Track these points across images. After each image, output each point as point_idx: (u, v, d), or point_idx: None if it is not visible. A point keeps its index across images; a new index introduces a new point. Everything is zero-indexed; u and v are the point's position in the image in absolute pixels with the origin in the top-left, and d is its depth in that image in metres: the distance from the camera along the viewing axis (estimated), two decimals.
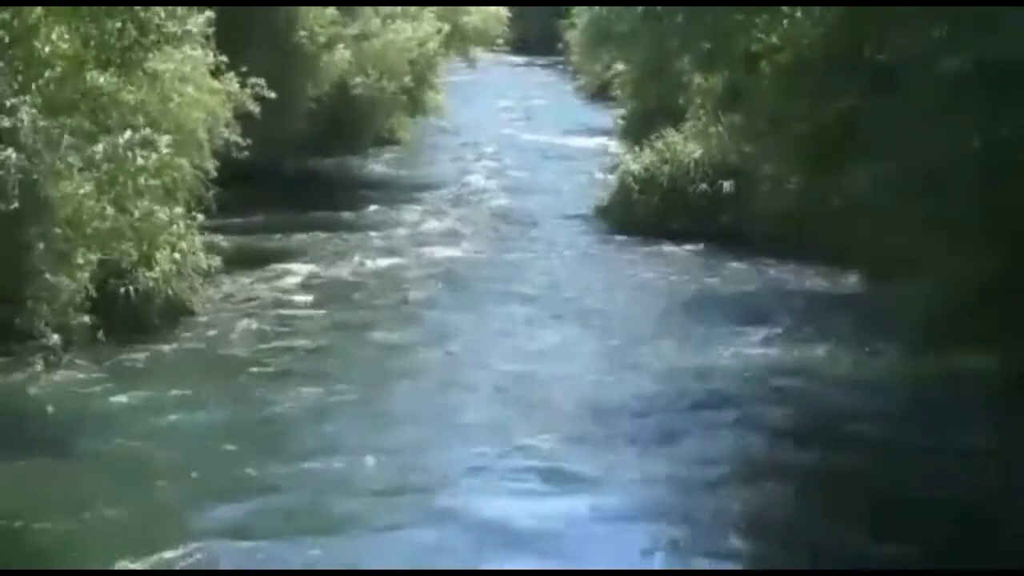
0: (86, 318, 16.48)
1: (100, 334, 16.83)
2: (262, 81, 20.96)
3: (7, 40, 13.22)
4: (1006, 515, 12.72)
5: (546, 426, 15.39)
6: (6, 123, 12.99)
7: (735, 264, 22.71)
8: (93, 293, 16.51)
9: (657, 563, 12.40)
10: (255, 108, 20.73)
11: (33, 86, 13.55)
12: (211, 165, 19.68)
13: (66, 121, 14.20)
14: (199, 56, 19.80)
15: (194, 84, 19.35)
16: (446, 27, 33.29)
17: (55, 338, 15.45)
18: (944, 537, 12.44)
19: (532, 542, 12.49)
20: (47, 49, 13.76)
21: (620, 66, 36.06)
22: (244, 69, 20.88)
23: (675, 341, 18.57)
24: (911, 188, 14.62)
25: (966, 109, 13.62)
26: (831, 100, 15.92)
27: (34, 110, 13.48)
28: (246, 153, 20.77)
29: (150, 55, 15.92)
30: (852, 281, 20.90)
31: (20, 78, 13.56)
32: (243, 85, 20.74)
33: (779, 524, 12.91)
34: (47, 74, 13.65)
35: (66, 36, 14.20)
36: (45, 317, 15.22)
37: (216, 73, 20.34)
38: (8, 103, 13.27)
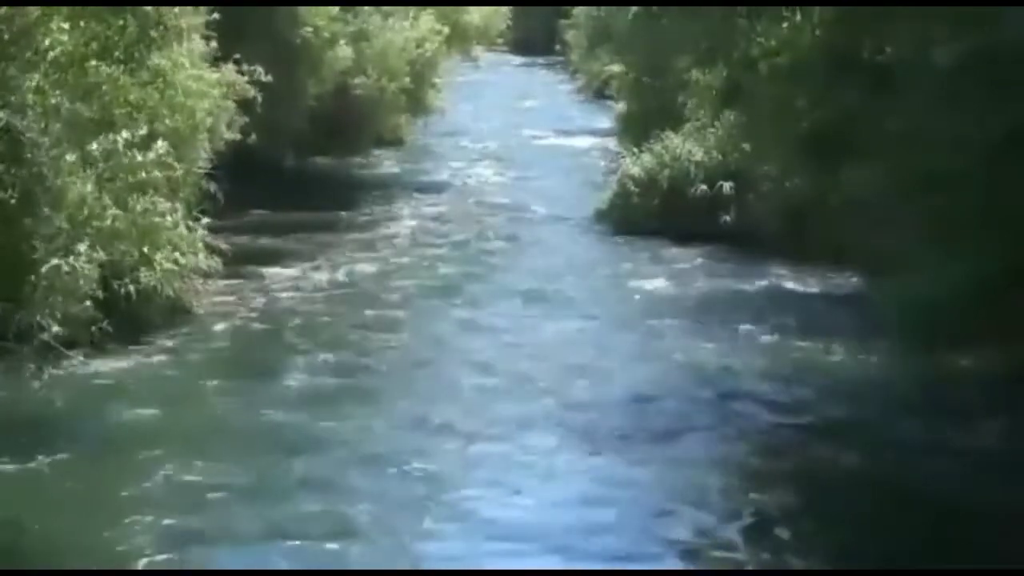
0: (88, 317, 16.47)
1: (101, 333, 16.84)
2: (259, 68, 20.82)
3: (6, 36, 13.17)
4: (1006, 515, 12.74)
5: (542, 424, 15.44)
6: (13, 99, 12.92)
7: (735, 264, 22.71)
8: (96, 292, 16.52)
9: (657, 562, 12.42)
10: (255, 94, 20.59)
11: (33, 78, 13.49)
12: (211, 163, 19.64)
13: (69, 108, 14.16)
14: (199, 49, 19.74)
15: (195, 78, 19.27)
16: (446, 29, 33.24)
17: (58, 333, 15.43)
18: (944, 537, 12.47)
19: (528, 539, 12.54)
20: (49, 41, 13.70)
21: (616, 67, 36.08)
22: (245, 66, 20.81)
23: (673, 340, 18.60)
24: (911, 187, 14.64)
25: (965, 107, 13.64)
26: (830, 100, 15.94)
27: (40, 96, 13.44)
28: (253, 137, 20.68)
29: (153, 51, 15.88)
30: (851, 280, 20.92)
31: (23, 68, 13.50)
32: (240, 72, 20.62)
33: (777, 523, 12.93)
34: (49, 57, 13.59)
35: (66, 30, 14.15)
36: (48, 315, 15.20)
37: (216, 64, 20.27)
38: (12, 83, 13.20)
